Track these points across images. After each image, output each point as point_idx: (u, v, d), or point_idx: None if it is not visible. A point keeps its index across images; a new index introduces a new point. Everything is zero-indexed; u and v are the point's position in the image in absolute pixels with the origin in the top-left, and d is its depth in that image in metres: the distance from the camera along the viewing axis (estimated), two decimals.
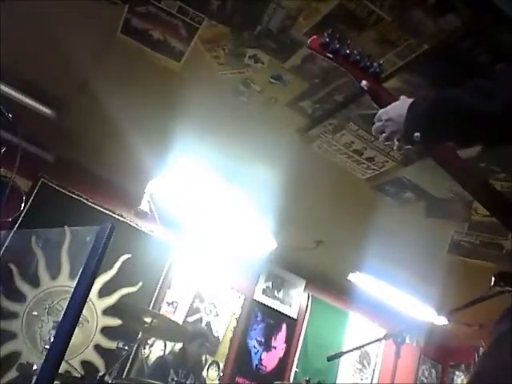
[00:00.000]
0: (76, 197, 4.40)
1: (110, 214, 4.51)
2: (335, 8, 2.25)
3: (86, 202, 4.44)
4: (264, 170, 3.58)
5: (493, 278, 1.22)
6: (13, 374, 3.75)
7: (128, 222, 4.56)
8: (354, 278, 4.86)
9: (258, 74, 2.80)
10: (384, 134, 1.33)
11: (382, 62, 1.45)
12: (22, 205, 4.04)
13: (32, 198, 4.19)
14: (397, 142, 1.31)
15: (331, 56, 1.49)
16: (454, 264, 3.98)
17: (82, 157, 4.27)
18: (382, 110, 1.35)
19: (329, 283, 5.45)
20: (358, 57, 1.45)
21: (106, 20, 2.67)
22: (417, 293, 4.75)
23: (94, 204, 4.47)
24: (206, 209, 4.34)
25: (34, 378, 2.94)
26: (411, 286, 4.65)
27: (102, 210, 4.49)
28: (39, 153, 4.08)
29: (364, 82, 1.42)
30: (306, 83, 2.76)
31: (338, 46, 1.47)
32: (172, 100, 3.14)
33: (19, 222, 4.02)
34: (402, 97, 1.36)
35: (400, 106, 1.29)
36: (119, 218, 4.54)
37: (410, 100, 1.28)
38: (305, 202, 3.91)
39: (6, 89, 3.32)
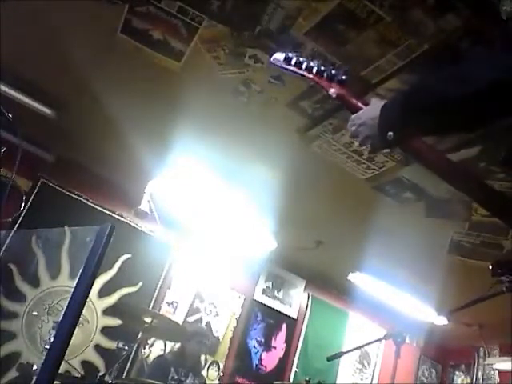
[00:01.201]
0: (76, 197, 4.40)
1: (110, 214, 4.51)
2: (335, 8, 2.25)
3: (86, 202, 4.44)
4: (264, 169, 3.58)
5: (490, 267, 1.22)
6: (13, 374, 3.75)
7: (128, 221, 4.56)
8: (354, 278, 4.86)
9: (257, 74, 2.80)
10: (358, 139, 1.33)
11: (347, 68, 1.46)
12: (22, 205, 4.04)
13: (32, 198, 4.19)
14: (369, 146, 1.31)
15: (295, 69, 1.49)
16: (453, 264, 3.98)
17: (82, 157, 4.27)
18: (354, 115, 1.35)
19: (329, 283, 5.45)
20: (322, 67, 1.45)
21: (106, 20, 2.67)
22: (417, 293, 4.75)
23: (94, 204, 4.47)
24: (206, 209, 4.35)
25: (34, 378, 2.94)
26: (411, 286, 4.65)
27: (102, 209, 4.49)
28: (39, 153, 4.08)
29: (332, 90, 1.43)
30: (305, 83, 2.76)
31: (300, 58, 1.48)
32: (172, 100, 3.14)
33: (19, 222, 4.02)
34: (373, 99, 1.36)
35: (372, 109, 1.30)
36: (119, 218, 4.54)
37: (383, 102, 1.28)
38: (305, 202, 3.91)
39: (6, 89, 3.32)
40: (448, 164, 1.35)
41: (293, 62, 1.49)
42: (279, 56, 1.52)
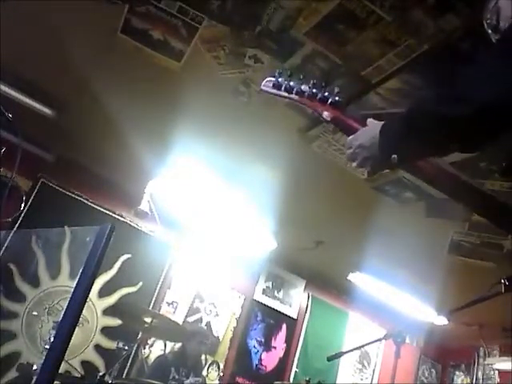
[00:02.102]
0: (76, 197, 4.40)
1: (110, 214, 4.51)
2: (335, 8, 2.25)
3: (86, 201, 4.44)
4: (264, 170, 3.58)
5: (503, 281, 1.20)
6: (13, 374, 3.75)
7: (128, 221, 4.56)
8: (354, 278, 4.86)
9: (257, 74, 2.79)
10: (356, 162, 1.29)
11: (338, 89, 1.42)
12: (22, 205, 4.04)
13: (32, 198, 4.19)
14: (368, 168, 1.28)
15: (286, 94, 1.46)
16: (454, 264, 3.98)
17: (82, 157, 4.27)
18: (351, 136, 1.32)
19: (329, 283, 5.45)
20: (314, 90, 1.42)
21: (106, 20, 2.67)
22: (417, 293, 4.75)
23: (94, 204, 4.47)
24: (205, 209, 4.35)
25: (34, 378, 2.94)
26: (411, 286, 4.65)
27: (102, 209, 4.49)
28: (39, 153, 4.08)
29: (325, 113, 1.39)
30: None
31: (291, 83, 1.44)
32: (172, 100, 3.14)
33: (19, 222, 4.02)
34: (369, 120, 1.33)
35: (370, 131, 1.26)
36: (119, 218, 4.54)
37: (380, 123, 1.25)
38: (305, 202, 3.91)
39: (6, 89, 3.32)
40: (444, 175, 1.33)
41: (283, 87, 1.45)
42: (268, 83, 1.49)
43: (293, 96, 1.45)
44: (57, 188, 4.34)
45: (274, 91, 1.48)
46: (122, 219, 4.54)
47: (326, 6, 2.26)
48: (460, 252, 3.85)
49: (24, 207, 4.08)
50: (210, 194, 4.01)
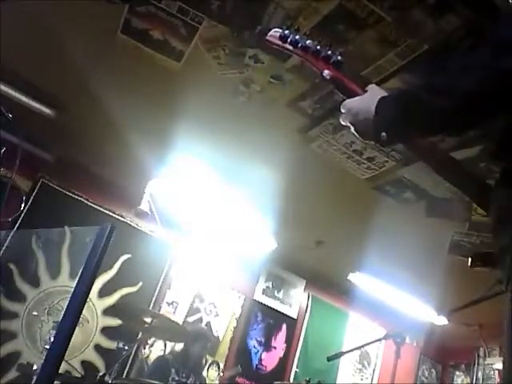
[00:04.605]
0: (76, 197, 4.40)
1: (110, 214, 4.51)
2: (335, 8, 2.25)
3: (86, 202, 4.44)
4: (264, 170, 3.58)
5: (469, 259, 1.22)
6: (13, 374, 3.75)
7: (128, 221, 4.56)
8: (354, 278, 4.86)
9: (257, 74, 2.80)
10: (350, 128, 1.30)
11: (342, 50, 1.43)
12: (22, 205, 4.04)
13: (32, 198, 4.19)
14: (357, 136, 1.30)
15: (291, 48, 1.46)
16: (454, 264, 3.97)
17: (82, 157, 4.27)
18: (348, 101, 1.31)
19: (329, 283, 5.45)
20: (318, 47, 1.42)
21: (106, 20, 2.67)
22: (417, 293, 4.75)
23: (94, 204, 4.47)
24: (206, 209, 4.35)
25: (34, 378, 2.94)
26: (411, 286, 4.65)
27: (102, 209, 4.49)
28: (39, 153, 4.08)
29: (326, 72, 1.39)
30: (306, 83, 2.76)
31: (297, 37, 1.44)
32: (172, 100, 3.14)
33: (19, 222, 4.02)
34: (370, 86, 1.32)
35: (368, 100, 1.26)
36: (119, 217, 4.54)
37: (379, 96, 1.24)
38: (305, 202, 3.91)
39: (6, 89, 3.32)
40: (448, 160, 1.34)
41: (288, 40, 1.45)
42: (275, 33, 1.50)
43: (297, 50, 1.45)
44: (57, 188, 4.34)
45: (279, 43, 1.47)
46: (122, 219, 4.54)
47: (326, 6, 2.26)
48: (460, 252, 3.85)
49: (24, 207, 4.08)
50: (210, 194, 4.01)
